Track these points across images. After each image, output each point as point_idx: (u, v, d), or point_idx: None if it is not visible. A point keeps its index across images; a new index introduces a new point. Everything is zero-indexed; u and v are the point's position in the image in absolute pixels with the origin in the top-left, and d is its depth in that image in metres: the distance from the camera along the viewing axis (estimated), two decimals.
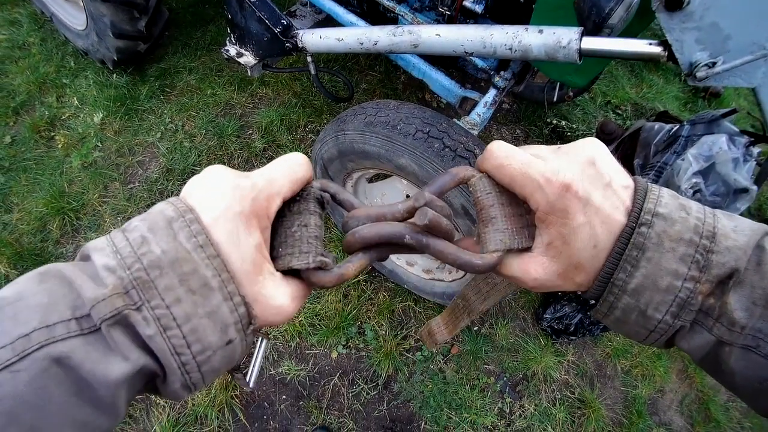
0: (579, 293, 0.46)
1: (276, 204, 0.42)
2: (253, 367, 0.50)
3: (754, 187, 1.71)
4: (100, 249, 0.35)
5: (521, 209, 0.45)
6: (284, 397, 1.82)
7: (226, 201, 0.38)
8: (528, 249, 0.45)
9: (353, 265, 0.43)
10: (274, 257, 0.42)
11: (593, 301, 0.45)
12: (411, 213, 0.44)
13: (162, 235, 0.35)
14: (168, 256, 0.34)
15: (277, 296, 0.40)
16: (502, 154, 0.44)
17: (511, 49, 1.15)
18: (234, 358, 0.39)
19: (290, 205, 0.44)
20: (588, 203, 0.40)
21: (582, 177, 0.41)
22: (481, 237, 0.45)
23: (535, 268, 0.43)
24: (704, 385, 2.14)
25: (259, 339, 0.50)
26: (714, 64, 0.95)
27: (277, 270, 0.41)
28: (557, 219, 0.41)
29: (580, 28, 1.08)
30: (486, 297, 0.63)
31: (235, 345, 0.37)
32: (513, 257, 0.45)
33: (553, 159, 0.43)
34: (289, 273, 0.42)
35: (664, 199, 0.40)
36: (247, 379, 0.50)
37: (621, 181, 0.42)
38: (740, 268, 0.37)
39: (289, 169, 0.43)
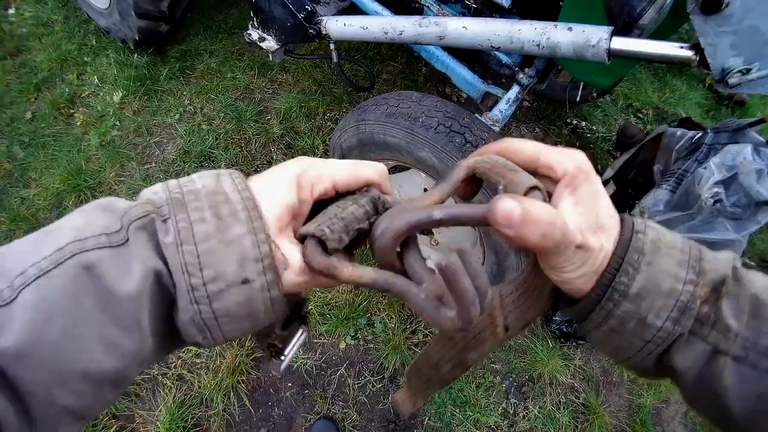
0: (573, 313, 0.44)
1: (324, 184, 0.43)
2: (288, 352, 0.49)
3: None
4: (152, 186, 0.39)
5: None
6: (290, 384, 1.82)
7: (285, 169, 0.42)
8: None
9: (353, 269, 0.39)
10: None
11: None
12: (436, 202, 0.42)
13: (207, 177, 0.39)
14: (206, 189, 0.38)
15: (291, 254, 0.40)
16: (519, 140, 0.44)
17: (538, 45, 1.13)
18: (255, 313, 0.38)
19: (342, 196, 0.44)
20: (598, 182, 0.41)
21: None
22: (510, 182, 0.39)
23: (569, 216, 0.39)
24: None
25: (300, 328, 0.50)
26: (749, 70, 0.92)
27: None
28: (583, 181, 0.40)
29: (609, 27, 1.06)
30: (428, 385, 0.52)
31: (253, 290, 0.36)
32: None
33: None
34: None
35: (647, 221, 0.41)
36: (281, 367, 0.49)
37: None
38: (729, 275, 0.38)
39: (354, 165, 0.45)
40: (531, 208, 0.34)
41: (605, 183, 1.96)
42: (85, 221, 0.35)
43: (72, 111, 2.47)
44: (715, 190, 1.71)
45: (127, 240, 0.34)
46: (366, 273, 0.38)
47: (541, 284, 0.45)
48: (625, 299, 0.39)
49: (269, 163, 2.25)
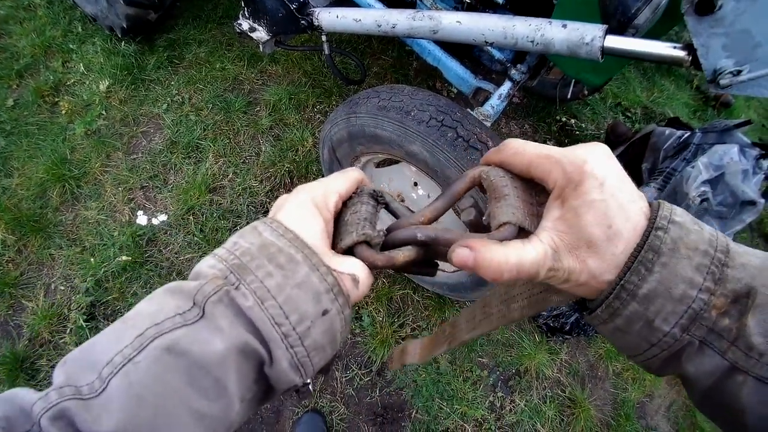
0: (587, 305, 0.42)
1: (333, 199, 0.47)
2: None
3: (762, 200, 1.70)
4: (205, 260, 0.41)
5: (533, 199, 0.45)
6: None
7: (300, 200, 0.45)
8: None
9: (403, 253, 0.46)
10: (333, 247, 0.47)
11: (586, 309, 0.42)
12: (430, 219, 0.48)
13: (248, 235, 0.42)
14: (255, 246, 0.41)
15: (355, 269, 0.44)
16: (518, 143, 0.45)
17: (533, 41, 1.13)
18: (335, 335, 0.42)
19: (346, 203, 0.50)
20: (604, 184, 0.38)
21: (598, 160, 0.39)
22: (492, 212, 0.43)
23: (535, 246, 0.39)
24: None
25: None
26: (740, 72, 0.93)
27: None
28: (571, 192, 0.39)
29: (604, 25, 1.06)
30: (475, 326, 0.59)
31: (332, 317, 0.41)
32: (516, 243, 0.40)
33: (567, 148, 0.42)
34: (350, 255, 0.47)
35: (677, 210, 0.38)
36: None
37: (632, 183, 0.40)
38: (757, 287, 0.34)
39: (343, 173, 0.50)
40: (482, 256, 0.39)
41: None
42: (157, 307, 0.37)
43: (57, 99, 2.42)
44: (703, 189, 1.73)
45: (202, 315, 0.37)
46: (409, 252, 0.46)
47: None
48: (634, 300, 0.37)
49: (257, 155, 2.23)
